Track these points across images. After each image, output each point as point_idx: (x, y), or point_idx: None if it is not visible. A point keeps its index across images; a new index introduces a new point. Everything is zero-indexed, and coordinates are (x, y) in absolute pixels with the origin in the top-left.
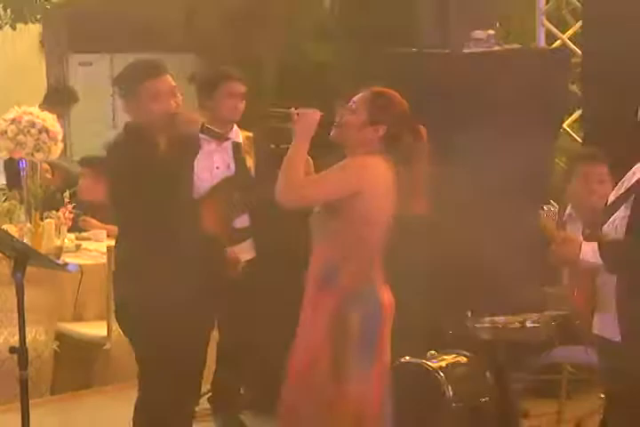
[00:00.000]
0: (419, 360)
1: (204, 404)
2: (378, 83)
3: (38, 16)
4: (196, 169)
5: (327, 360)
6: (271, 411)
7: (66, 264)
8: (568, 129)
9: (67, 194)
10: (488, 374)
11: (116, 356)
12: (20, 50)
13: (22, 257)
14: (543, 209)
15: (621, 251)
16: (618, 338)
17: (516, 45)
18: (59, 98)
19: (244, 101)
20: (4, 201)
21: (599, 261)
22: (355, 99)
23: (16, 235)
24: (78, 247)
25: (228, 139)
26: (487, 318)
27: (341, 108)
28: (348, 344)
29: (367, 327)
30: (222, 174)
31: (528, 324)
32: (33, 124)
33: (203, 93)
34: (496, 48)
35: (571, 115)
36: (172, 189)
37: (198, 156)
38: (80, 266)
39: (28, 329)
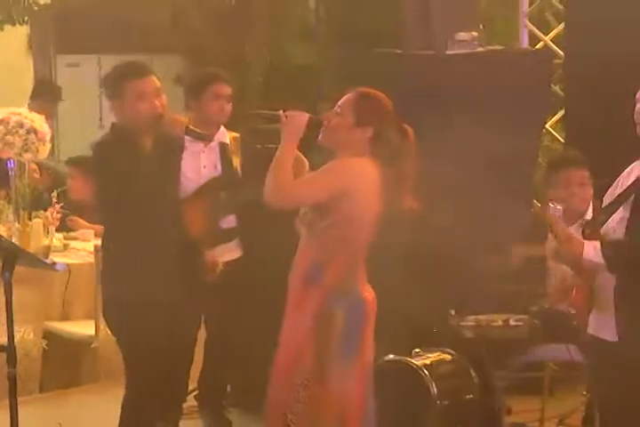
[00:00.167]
0: (403, 358)
1: (191, 401)
2: (363, 84)
3: (26, 18)
4: (183, 169)
5: (311, 358)
6: (257, 409)
7: (54, 264)
8: (550, 129)
9: (54, 194)
10: (472, 371)
11: (104, 354)
12: (8, 51)
13: (11, 256)
14: (550, 206)
15: (622, 251)
16: (614, 338)
17: (499, 47)
18: (45, 92)
19: (230, 103)
20: None
21: (601, 260)
22: (341, 101)
23: (4, 234)
24: (66, 247)
25: (211, 140)
26: (471, 317)
27: (326, 109)
28: (331, 342)
29: (350, 325)
30: (209, 174)
31: (511, 322)
32: (21, 125)
33: (190, 95)
34: (479, 49)
35: (553, 115)
36: (156, 189)
37: (185, 156)
38: (68, 265)
39: (16, 328)
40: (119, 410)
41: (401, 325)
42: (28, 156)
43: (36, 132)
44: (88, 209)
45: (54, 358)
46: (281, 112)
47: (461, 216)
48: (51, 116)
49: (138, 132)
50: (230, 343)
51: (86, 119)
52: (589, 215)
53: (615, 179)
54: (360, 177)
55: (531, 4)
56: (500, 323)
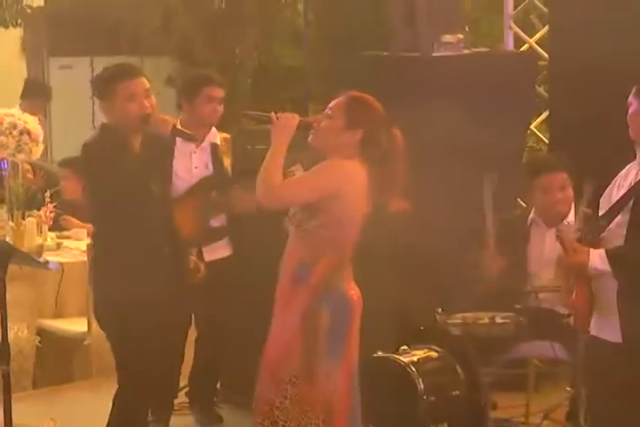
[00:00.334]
0: (391, 355)
1: (182, 398)
2: (350, 86)
3: (19, 20)
4: (175, 169)
5: (298, 355)
6: (247, 405)
7: (47, 262)
8: (535, 130)
9: (48, 194)
10: (458, 368)
11: (97, 351)
12: (1, 54)
13: (4, 255)
14: (564, 223)
15: (629, 258)
16: (618, 339)
17: (484, 49)
18: (35, 92)
19: (222, 105)
20: None
21: (607, 268)
22: (331, 104)
23: None
24: (59, 246)
25: (199, 140)
26: (458, 315)
27: (317, 111)
28: (318, 340)
29: (336, 324)
30: (201, 174)
31: (497, 320)
32: (15, 126)
33: (183, 96)
34: (465, 51)
35: (538, 116)
36: (144, 189)
37: (177, 156)
38: (61, 264)
39: (10, 325)
40: (111, 406)
41: (389, 323)
42: (21, 156)
43: (29, 133)
44: (81, 209)
45: (47, 355)
46: (272, 114)
47: (448, 216)
48: (40, 112)
49: (127, 132)
50: (220, 341)
51: (79, 120)
52: (572, 217)
53: (599, 179)
54: (349, 179)
55: (516, 7)
56: (486, 320)
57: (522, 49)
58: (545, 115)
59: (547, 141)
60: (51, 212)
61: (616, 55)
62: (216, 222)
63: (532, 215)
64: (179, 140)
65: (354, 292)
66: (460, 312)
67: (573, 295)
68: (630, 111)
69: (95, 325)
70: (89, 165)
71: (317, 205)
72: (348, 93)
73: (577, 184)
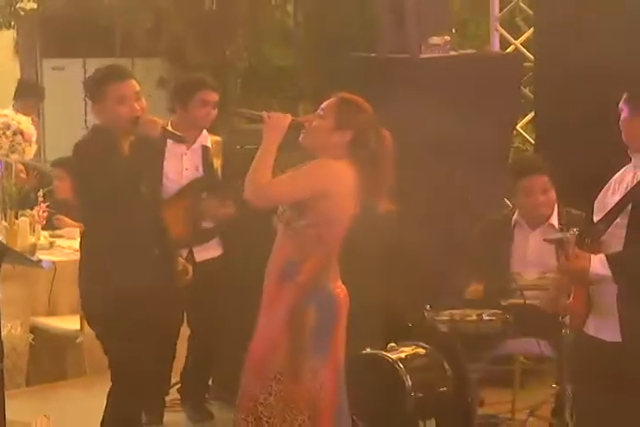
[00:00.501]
0: (379, 352)
1: (174, 394)
2: (339, 86)
3: (12, 22)
4: (165, 170)
5: (284, 353)
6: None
7: (40, 261)
8: (521, 130)
9: (40, 193)
10: (446, 364)
11: (89, 349)
12: None
13: None
14: (569, 232)
15: (629, 263)
16: (616, 339)
17: (471, 50)
18: (28, 92)
19: (216, 109)
20: None
21: (609, 273)
22: (323, 105)
23: None
24: (52, 245)
25: (186, 141)
26: (445, 312)
27: (308, 111)
28: (303, 337)
29: (322, 321)
30: (191, 176)
31: (485, 317)
32: (8, 127)
33: (177, 100)
34: (452, 53)
35: (524, 117)
36: (133, 189)
37: (168, 158)
38: (54, 263)
39: (3, 323)
40: (104, 403)
41: (377, 320)
42: (14, 156)
43: (22, 133)
44: (73, 208)
45: (41, 353)
46: (264, 113)
47: (435, 214)
48: (35, 116)
49: (117, 133)
50: (212, 339)
51: (71, 121)
52: (555, 218)
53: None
54: (338, 179)
55: (501, 9)
56: (473, 318)
57: (508, 51)
58: (530, 115)
59: (532, 142)
60: (43, 211)
61: (600, 57)
62: (206, 223)
63: (515, 216)
64: (170, 142)
65: (340, 290)
66: (447, 309)
67: (571, 298)
68: (622, 117)
69: None
70: (79, 165)
71: (306, 204)
72: (339, 95)
73: (559, 186)
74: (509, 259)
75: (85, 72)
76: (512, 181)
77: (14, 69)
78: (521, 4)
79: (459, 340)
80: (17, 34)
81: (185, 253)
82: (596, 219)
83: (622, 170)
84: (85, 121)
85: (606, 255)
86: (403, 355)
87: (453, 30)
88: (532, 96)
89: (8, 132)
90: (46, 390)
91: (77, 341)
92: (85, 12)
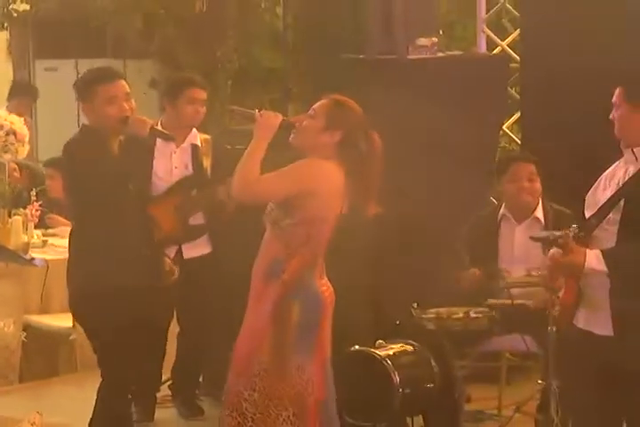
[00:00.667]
0: (368, 349)
1: (165, 391)
2: (328, 87)
3: (5, 24)
4: (155, 169)
5: (268, 349)
6: None
7: (32, 259)
8: (507, 130)
9: (33, 192)
10: (433, 361)
11: (81, 346)
12: None
13: None
14: (569, 229)
15: (624, 259)
16: (609, 333)
17: (458, 52)
18: (22, 92)
19: (204, 107)
20: None
21: (604, 268)
22: (314, 106)
23: None
24: (45, 243)
25: (174, 139)
26: (432, 310)
27: (297, 112)
28: (288, 335)
29: (307, 320)
30: (181, 174)
31: (471, 314)
32: (1, 127)
33: (166, 98)
34: (439, 54)
35: (510, 117)
36: (122, 188)
37: (157, 156)
38: (46, 261)
39: None
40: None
41: (366, 318)
42: (7, 156)
43: (15, 133)
44: (66, 207)
45: (33, 350)
46: (256, 111)
47: (424, 213)
48: (28, 116)
49: (106, 133)
50: (202, 336)
51: (64, 121)
52: (540, 211)
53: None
54: (325, 178)
55: (488, 11)
56: (460, 315)
57: (494, 52)
58: (517, 116)
59: (519, 142)
60: (36, 210)
61: (585, 57)
62: (195, 220)
63: (502, 210)
64: (159, 140)
65: (325, 288)
66: (434, 307)
67: (561, 292)
68: (619, 114)
69: None
70: (69, 164)
71: (293, 202)
72: (330, 96)
73: (544, 185)
74: (497, 254)
75: (78, 73)
76: (499, 169)
77: (7, 70)
78: (507, 5)
79: (446, 337)
80: (10, 35)
81: (174, 250)
82: (587, 214)
83: (613, 166)
84: (78, 121)
85: (602, 251)
86: (391, 352)
87: (441, 32)
88: (518, 97)
89: (1, 133)
90: (39, 386)
91: (70, 338)
92: (78, 14)
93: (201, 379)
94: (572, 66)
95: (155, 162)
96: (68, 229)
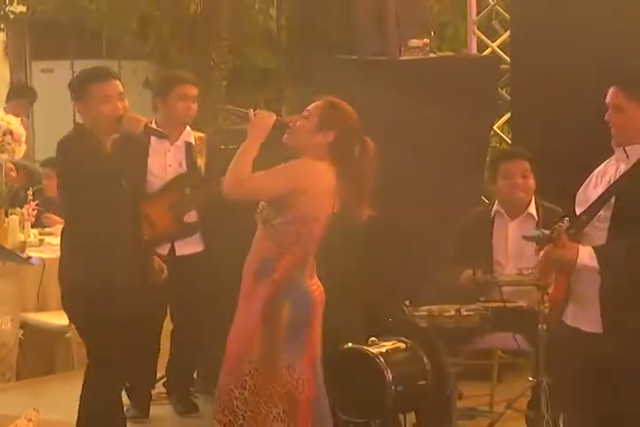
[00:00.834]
0: (361, 346)
1: (159, 388)
2: (321, 87)
3: (2, 26)
4: (149, 167)
5: (258, 348)
6: None
7: (29, 258)
8: (498, 131)
9: (30, 192)
10: (425, 358)
11: (78, 343)
12: None
13: None
14: (563, 222)
15: (616, 255)
16: (597, 330)
17: (449, 53)
18: (19, 94)
19: (196, 103)
20: None
21: (596, 264)
22: (309, 107)
23: None
24: (41, 242)
25: (168, 137)
26: (424, 307)
27: (290, 113)
28: (278, 334)
29: (297, 318)
30: (175, 172)
31: (463, 312)
32: None
33: (157, 96)
34: (431, 55)
35: (501, 117)
36: (113, 187)
37: (152, 154)
38: (43, 260)
39: None
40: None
41: (359, 315)
42: (4, 156)
43: (12, 133)
44: (59, 205)
45: (30, 348)
46: (250, 110)
47: (415, 212)
48: (25, 117)
49: (101, 132)
50: (196, 333)
51: (60, 122)
52: (533, 208)
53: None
54: (316, 178)
55: (479, 13)
56: (452, 313)
57: (485, 53)
58: (507, 116)
59: (509, 141)
60: (33, 209)
61: (574, 59)
62: (189, 218)
63: (495, 206)
64: (154, 139)
65: (316, 287)
66: (426, 305)
67: (551, 288)
68: (620, 113)
69: None
70: (62, 162)
71: (284, 201)
72: (325, 98)
73: (537, 180)
74: (491, 251)
75: (74, 74)
76: (493, 166)
77: (4, 71)
78: (497, 7)
79: (438, 334)
80: (6, 37)
81: (167, 247)
82: (578, 211)
83: (604, 164)
84: (74, 122)
85: (594, 248)
86: (383, 349)
87: (432, 33)
88: (508, 97)
89: None
90: (35, 384)
91: (66, 336)
92: (74, 16)
93: (195, 376)
94: (561, 67)
95: (149, 160)
96: None
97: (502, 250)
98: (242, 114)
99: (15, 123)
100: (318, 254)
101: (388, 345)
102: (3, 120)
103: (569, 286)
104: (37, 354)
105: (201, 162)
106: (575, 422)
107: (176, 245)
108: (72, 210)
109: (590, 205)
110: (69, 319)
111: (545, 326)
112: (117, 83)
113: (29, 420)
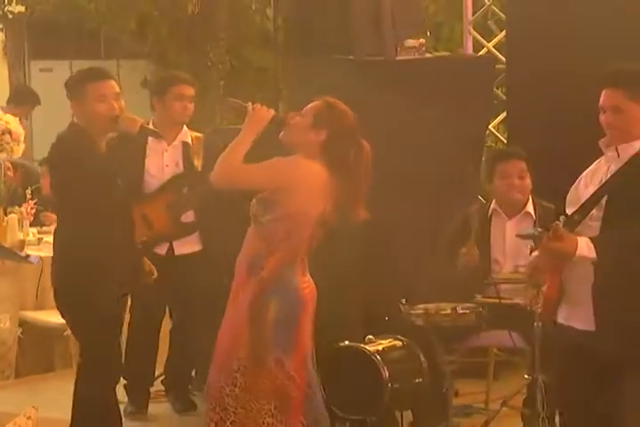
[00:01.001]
0: (357, 344)
1: (158, 386)
2: (317, 87)
3: (1, 25)
4: (147, 167)
5: (246, 344)
6: None
7: (28, 256)
8: (493, 130)
9: (29, 191)
10: (421, 356)
11: (76, 341)
12: None
13: None
14: (559, 219)
15: (613, 245)
16: (589, 327)
17: (445, 53)
18: (22, 98)
19: (193, 103)
20: None
21: (594, 255)
22: (307, 106)
23: None
24: (40, 241)
25: (162, 137)
26: (420, 305)
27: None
28: (265, 331)
29: (284, 316)
30: (172, 172)
31: (459, 310)
32: None
33: (154, 96)
34: (427, 55)
35: (496, 117)
36: (105, 186)
37: (149, 154)
38: (41, 258)
39: None
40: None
41: (356, 314)
42: (3, 155)
43: (10, 133)
44: (52, 203)
45: (29, 346)
46: (249, 104)
47: (411, 211)
48: (26, 116)
49: (95, 131)
50: (194, 331)
51: (59, 121)
52: (531, 206)
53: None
54: (305, 176)
55: (474, 13)
56: (448, 311)
57: (480, 53)
58: (503, 116)
59: (504, 141)
60: (31, 208)
61: (569, 59)
62: (186, 218)
63: (492, 205)
64: (151, 139)
65: (306, 285)
66: (422, 303)
67: (545, 287)
68: (619, 114)
69: None
70: (56, 161)
71: (272, 198)
72: (324, 98)
73: (533, 179)
74: (489, 249)
75: (72, 73)
76: (489, 166)
77: (3, 71)
78: (493, 7)
79: (434, 333)
80: (5, 36)
81: (165, 247)
82: (569, 211)
83: (593, 164)
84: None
85: (591, 238)
86: (380, 347)
87: (428, 33)
88: (504, 97)
89: None
90: (34, 381)
91: (65, 334)
92: (73, 16)
93: (194, 374)
94: (556, 67)
95: (147, 160)
96: None
97: (500, 248)
98: (241, 106)
99: (14, 122)
100: (314, 253)
101: (384, 343)
102: (1, 120)
103: (562, 284)
104: (36, 352)
105: (198, 162)
106: (570, 420)
107: (174, 244)
108: (64, 209)
109: (582, 205)
110: (62, 317)
111: (540, 324)
112: (113, 83)
113: (28, 417)
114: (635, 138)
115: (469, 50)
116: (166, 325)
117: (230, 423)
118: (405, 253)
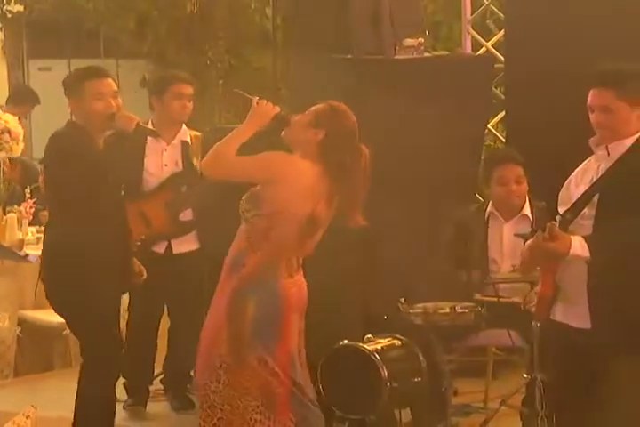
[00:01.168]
0: (356, 343)
1: (157, 385)
2: (316, 87)
3: (0, 25)
4: (146, 165)
5: (225, 341)
6: None
7: (27, 255)
8: (492, 129)
9: (28, 190)
10: (420, 356)
11: (75, 340)
12: None
13: None
14: (555, 219)
15: (607, 243)
16: (584, 326)
17: (444, 52)
18: (21, 98)
19: (191, 102)
20: None
21: (587, 254)
22: (311, 107)
23: None
24: (39, 240)
25: (159, 135)
26: (419, 305)
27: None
28: (243, 328)
29: (264, 315)
30: (171, 171)
31: (458, 309)
32: None
33: (153, 95)
34: (426, 55)
35: (495, 116)
36: (98, 184)
37: (148, 153)
38: (40, 257)
39: None
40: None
41: (355, 313)
42: (2, 154)
43: (9, 132)
44: (45, 200)
45: (28, 345)
46: (255, 97)
47: (409, 210)
48: (26, 115)
49: (92, 129)
50: (192, 330)
51: (57, 120)
52: (527, 209)
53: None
54: (292, 171)
55: (473, 12)
56: (447, 310)
57: (479, 52)
58: (501, 115)
59: (503, 140)
60: (31, 207)
61: (568, 58)
62: (184, 217)
63: (489, 208)
64: (150, 138)
65: (291, 286)
66: (421, 302)
67: (539, 286)
68: (610, 113)
69: None
70: (51, 157)
71: (259, 194)
72: (328, 101)
73: (531, 179)
74: (486, 250)
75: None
76: (486, 170)
77: (1, 70)
78: (492, 6)
79: (433, 332)
80: (4, 36)
81: (163, 246)
82: (560, 211)
83: (584, 163)
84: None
85: (584, 237)
86: (379, 346)
87: (427, 33)
88: (502, 96)
89: None
90: (33, 380)
91: (64, 333)
92: (71, 15)
93: (192, 373)
94: (555, 66)
95: (146, 159)
96: None
97: (497, 249)
98: (247, 99)
99: (13, 121)
100: (314, 254)
101: (383, 342)
102: (0, 119)
103: (555, 283)
104: (35, 351)
105: (197, 161)
106: (567, 418)
107: (173, 243)
108: (56, 205)
109: (574, 204)
110: (55, 312)
111: (538, 323)
112: (111, 81)
113: (27, 417)
114: (624, 136)
115: (468, 49)
116: (164, 323)
117: (218, 420)
118: (404, 252)
